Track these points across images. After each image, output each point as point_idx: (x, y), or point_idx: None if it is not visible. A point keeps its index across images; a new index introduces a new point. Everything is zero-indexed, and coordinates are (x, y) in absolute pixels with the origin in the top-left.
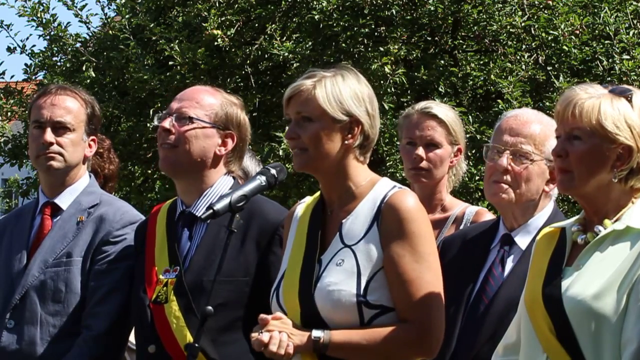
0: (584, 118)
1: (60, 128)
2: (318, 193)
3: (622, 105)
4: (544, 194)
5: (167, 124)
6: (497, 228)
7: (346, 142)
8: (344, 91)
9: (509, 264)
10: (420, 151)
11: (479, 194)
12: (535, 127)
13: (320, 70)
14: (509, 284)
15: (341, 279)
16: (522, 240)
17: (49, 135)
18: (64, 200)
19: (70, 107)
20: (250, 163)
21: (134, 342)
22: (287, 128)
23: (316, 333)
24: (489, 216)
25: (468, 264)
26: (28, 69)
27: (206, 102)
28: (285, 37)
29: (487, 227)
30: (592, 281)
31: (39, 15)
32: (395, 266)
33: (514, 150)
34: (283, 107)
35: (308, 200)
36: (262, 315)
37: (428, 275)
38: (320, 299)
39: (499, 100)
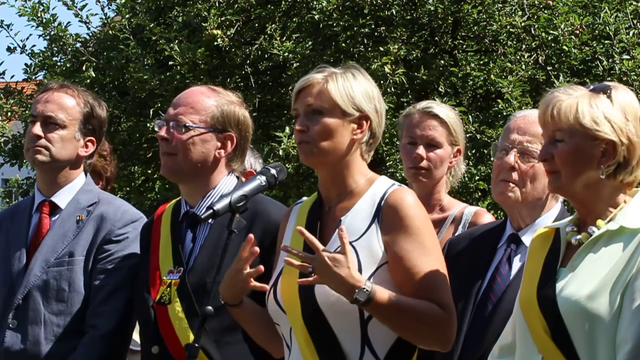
0: (563, 118)
1: (50, 123)
2: (315, 194)
3: (600, 102)
4: (550, 194)
5: (163, 132)
6: (504, 228)
7: (354, 136)
8: (355, 87)
9: (516, 263)
10: (421, 150)
11: (479, 194)
12: None
13: (329, 67)
14: (517, 283)
15: None
16: (529, 240)
17: (37, 129)
18: (61, 199)
19: (64, 103)
20: (253, 161)
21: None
22: (295, 124)
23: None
24: (487, 217)
25: (475, 263)
26: (28, 69)
27: (202, 105)
28: (285, 37)
29: (494, 226)
30: (586, 282)
31: (39, 15)
32: (404, 261)
33: (521, 149)
34: (292, 102)
35: (305, 200)
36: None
37: (439, 267)
38: (321, 294)
39: (499, 100)
